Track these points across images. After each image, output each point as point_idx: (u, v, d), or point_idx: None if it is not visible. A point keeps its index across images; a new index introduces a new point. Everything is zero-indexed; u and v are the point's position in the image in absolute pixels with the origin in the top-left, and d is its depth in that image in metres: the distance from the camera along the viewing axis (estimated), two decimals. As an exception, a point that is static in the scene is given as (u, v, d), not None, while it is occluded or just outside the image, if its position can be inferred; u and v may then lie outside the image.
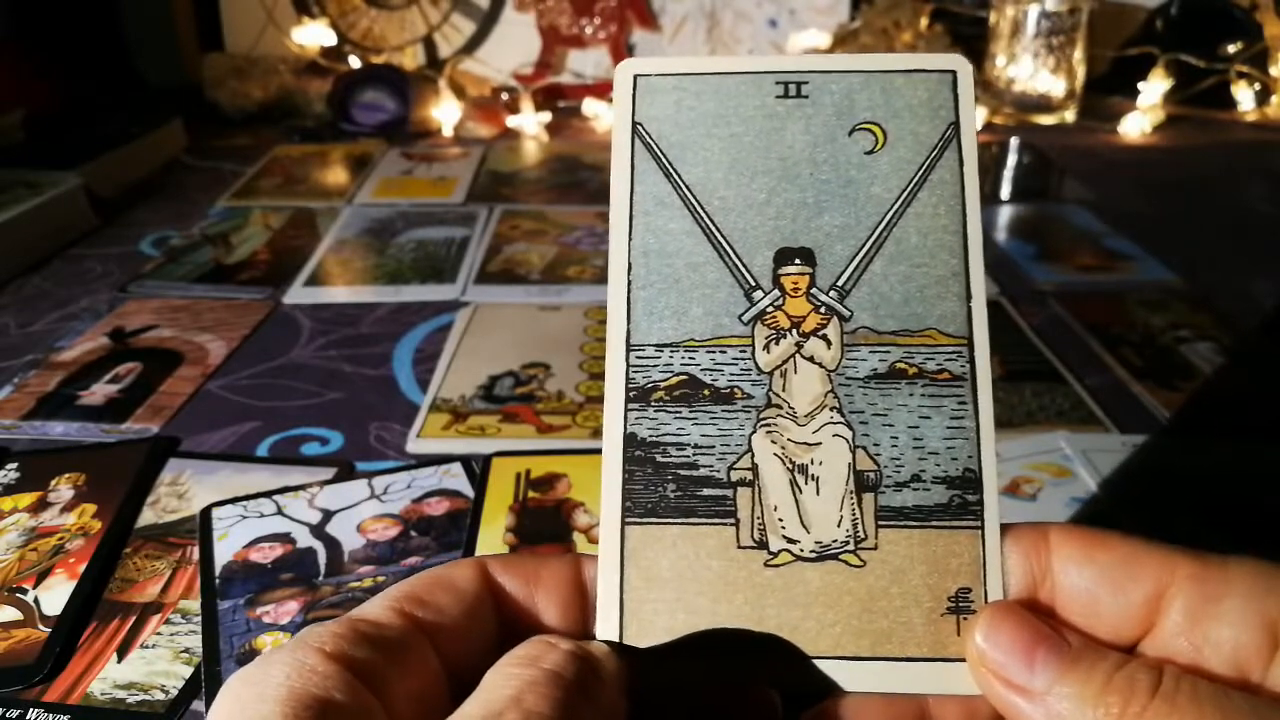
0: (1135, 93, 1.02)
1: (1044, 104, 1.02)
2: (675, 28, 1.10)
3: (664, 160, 0.24)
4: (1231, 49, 1.05)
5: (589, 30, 1.09)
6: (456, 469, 0.46)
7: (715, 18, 1.09)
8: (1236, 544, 0.41)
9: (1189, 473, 0.45)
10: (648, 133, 0.24)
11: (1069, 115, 1.03)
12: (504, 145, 0.97)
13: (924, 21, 1.06)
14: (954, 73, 0.24)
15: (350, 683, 0.18)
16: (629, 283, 0.23)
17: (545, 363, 0.56)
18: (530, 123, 0.99)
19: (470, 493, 0.44)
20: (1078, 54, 1.01)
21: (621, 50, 1.10)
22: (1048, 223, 0.78)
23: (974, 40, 1.07)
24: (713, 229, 0.24)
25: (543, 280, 0.67)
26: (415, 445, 0.48)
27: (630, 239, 0.24)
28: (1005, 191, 0.88)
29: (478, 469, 0.46)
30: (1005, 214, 0.81)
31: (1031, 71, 1.01)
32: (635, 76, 0.25)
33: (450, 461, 0.46)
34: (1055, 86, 1.02)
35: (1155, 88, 1.01)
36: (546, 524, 0.42)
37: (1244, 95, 1.04)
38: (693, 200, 0.24)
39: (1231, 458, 0.46)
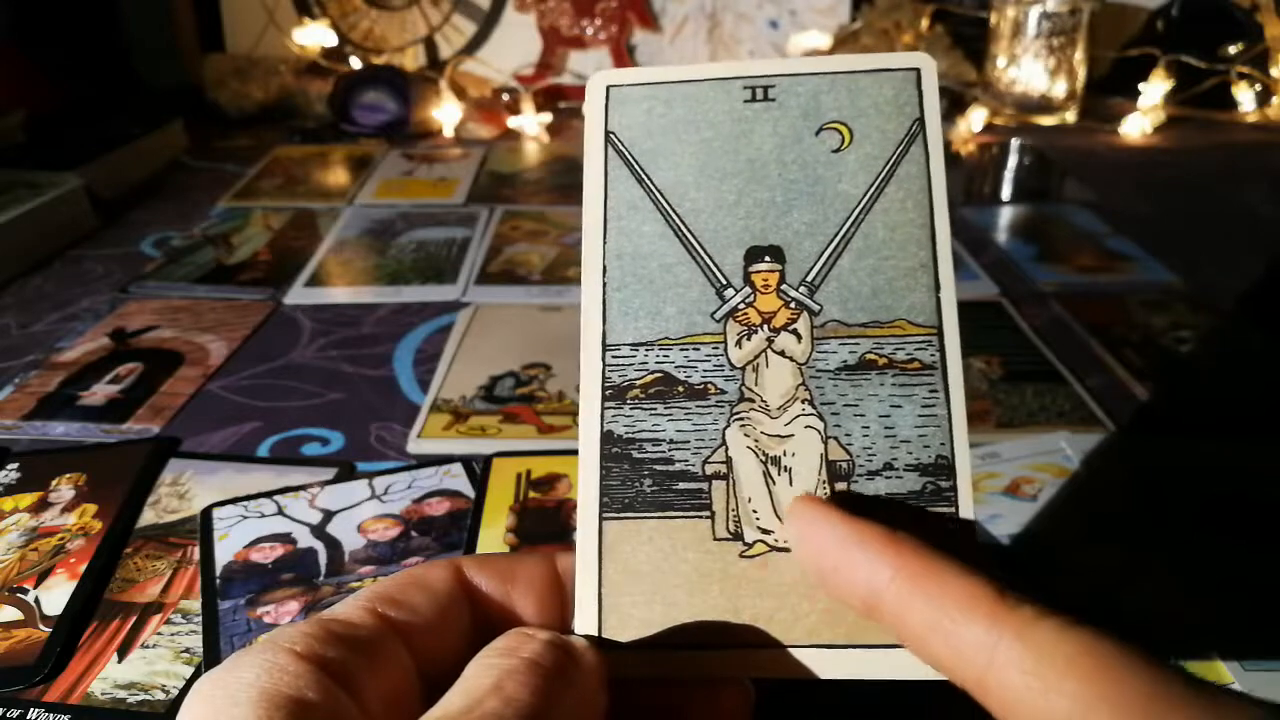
0: (1136, 94, 1.02)
1: (1045, 105, 1.02)
2: (676, 29, 1.10)
3: (636, 166, 0.25)
4: (1232, 50, 1.05)
5: (590, 31, 1.10)
6: (457, 469, 0.46)
7: (716, 19, 1.09)
8: (1236, 544, 0.41)
9: (1189, 473, 0.45)
10: (620, 141, 0.25)
11: (1070, 116, 1.03)
12: (505, 146, 0.97)
13: (925, 23, 1.06)
14: (918, 70, 0.24)
15: (323, 682, 0.18)
16: (604, 285, 0.24)
17: (546, 363, 0.56)
18: (531, 123, 0.99)
19: (471, 493, 0.44)
20: (1078, 55, 1.01)
21: (622, 51, 1.10)
22: (1048, 223, 0.78)
23: (974, 41, 1.07)
24: (684, 230, 0.24)
25: (543, 281, 0.67)
26: (416, 446, 0.48)
27: (605, 243, 0.24)
28: (1006, 192, 0.88)
29: (478, 469, 0.46)
30: (1006, 215, 0.81)
31: (1032, 72, 1.01)
32: (608, 87, 0.25)
33: (451, 462, 0.46)
34: (1056, 87, 1.02)
35: (1156, 89, 1.01)
36: (547, 524, 0.42)
37: (1245, 96, 1.04)
38: (664, 203, 0.24)
39: (1231, 457, 0.46)
